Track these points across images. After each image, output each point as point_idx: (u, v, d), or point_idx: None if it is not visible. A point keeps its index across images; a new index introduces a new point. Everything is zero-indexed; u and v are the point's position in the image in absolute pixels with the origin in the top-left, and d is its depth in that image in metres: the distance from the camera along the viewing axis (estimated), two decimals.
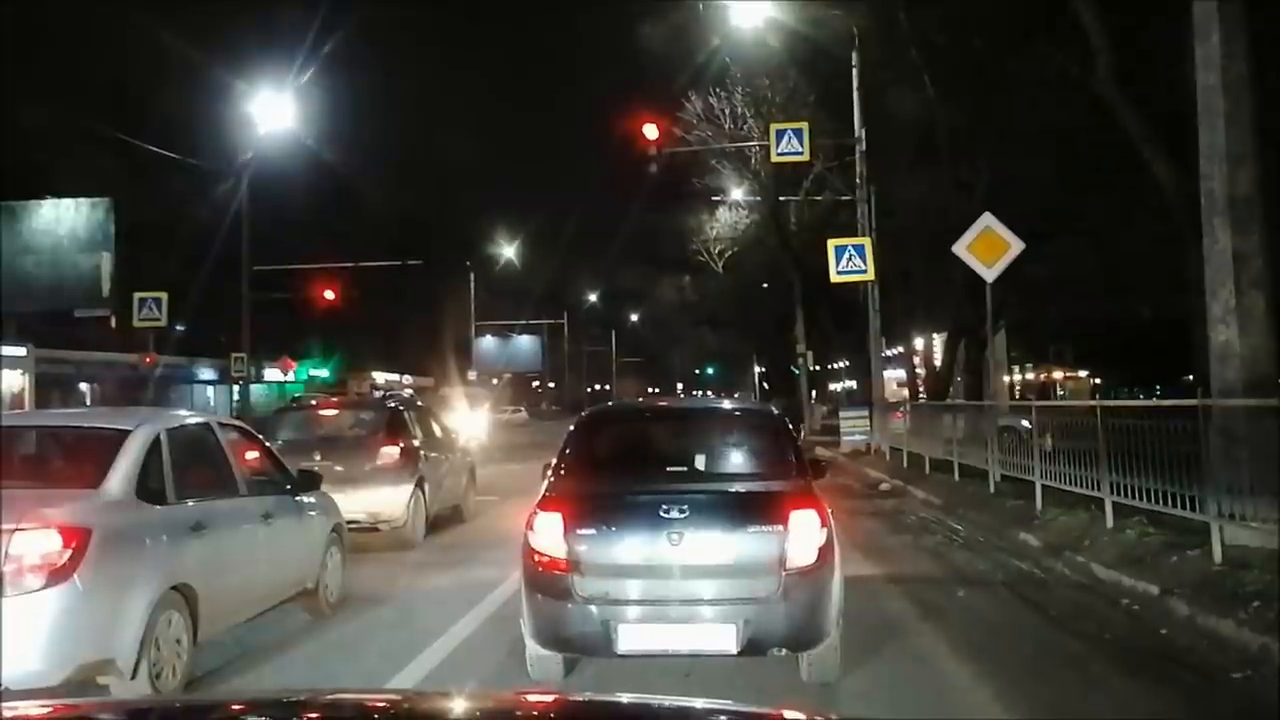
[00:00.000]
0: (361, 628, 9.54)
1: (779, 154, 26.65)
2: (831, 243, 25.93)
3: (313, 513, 9.95)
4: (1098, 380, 67.73)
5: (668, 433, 8.97)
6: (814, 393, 53.28)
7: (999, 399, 24.12)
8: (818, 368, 55.74)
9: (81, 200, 38.37)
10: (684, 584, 7.04)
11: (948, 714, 6.83)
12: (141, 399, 32.85)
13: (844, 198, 31.14)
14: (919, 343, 38.85)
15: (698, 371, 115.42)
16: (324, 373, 60.06)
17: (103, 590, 6.50)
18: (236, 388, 40.44)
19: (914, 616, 9.67)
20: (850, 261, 25.14)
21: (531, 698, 3.06)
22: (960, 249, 17.29)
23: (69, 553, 6.28)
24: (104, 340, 41.24)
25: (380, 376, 65.10)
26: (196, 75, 43.24)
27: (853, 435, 29.92)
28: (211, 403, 50.90)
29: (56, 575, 6.22)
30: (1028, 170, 23.50)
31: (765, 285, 50.97)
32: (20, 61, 37.74)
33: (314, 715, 2.92)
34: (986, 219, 17.27)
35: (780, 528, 7.02)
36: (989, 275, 17.01)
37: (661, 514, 7.01)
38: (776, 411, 9.17)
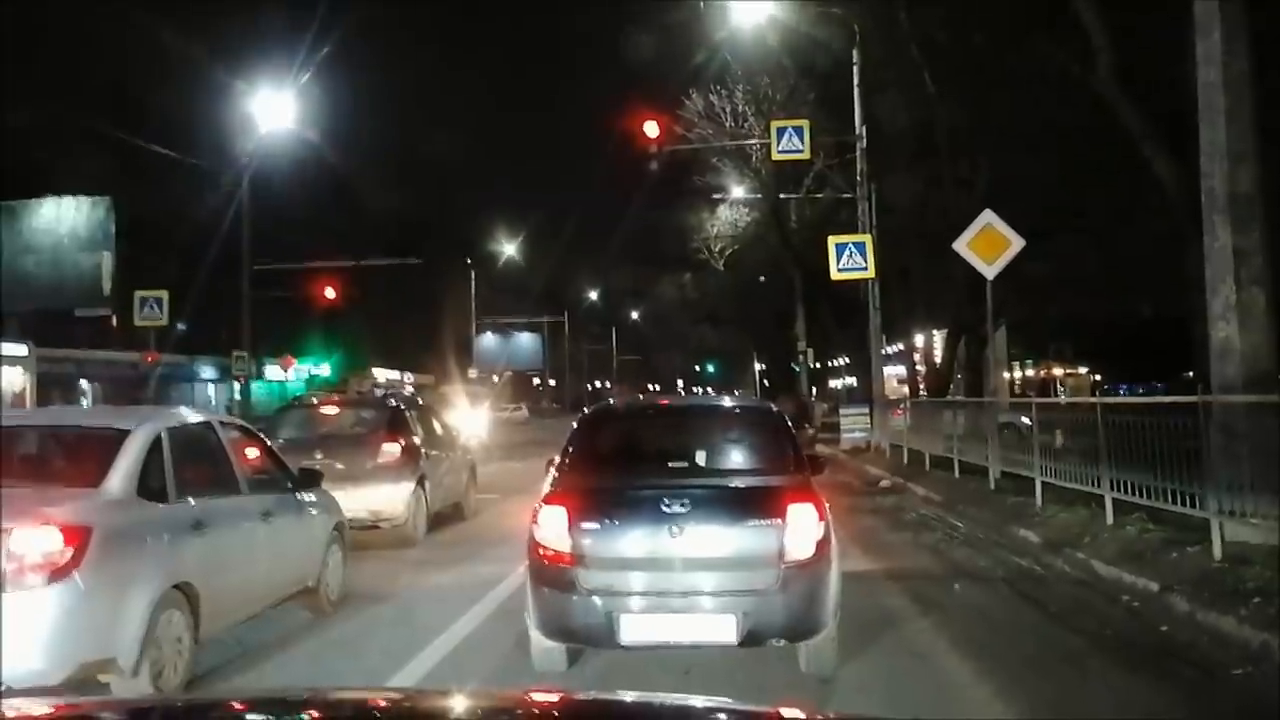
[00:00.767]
0: (362, 626, 9.55)
1: (779, 152, 26.65)
2: (832, 240, 25.93)
3: (314, 511, 9.96)
4: (1098, 377, 67.74)
5: (669, 430, 9.05)
6: (814, 390, 53.29)
7: (999, 396, 24.13)
8: (818, 365, 55.76)
9: (82, 199, 38.48)
10: (685, 576, 7.14)
11: (948, 710, 6.83)
12: (142, 398, 32.83)
13: (845, 195, 31.12)
14: (919, 340, 38.90)
15: (698, 369, 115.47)
16: (325, 371, 60.03)
17: (104, 589, 6.50)
18: (237, 386, 40.40)
19: (914, 613, 9.67)
20: (851, 259, 25.15)
21: (533, 696, 3.06)
22: (961, 246, 17.29)
23: (70, 551, 6.29)
24: (105, 339, 41.29)
25: (381, 374, 65.04)
26: (196, 74, 43.18)
27: (853, 432, 29.94)
28: (213, 401, 50.88)
29: (58, 574, 6.23)
30: (1028, 168, 23.50)
31: (765, 282, 50.94)
32: (20, 61, 37.74)
33: (315, 714, 2.92)
34: (987, 216, 17.27)
35: (779, 521, 7.14)
36: (989, 272, 17.01)
37: (663, 508, 7.12)
38: (775, 408, 9.24)
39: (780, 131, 26.50)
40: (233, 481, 8.51)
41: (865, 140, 28.03)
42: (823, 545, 7.19)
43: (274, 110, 34.02)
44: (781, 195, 38.32)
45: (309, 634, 9.27)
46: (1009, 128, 23.27)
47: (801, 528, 7.15)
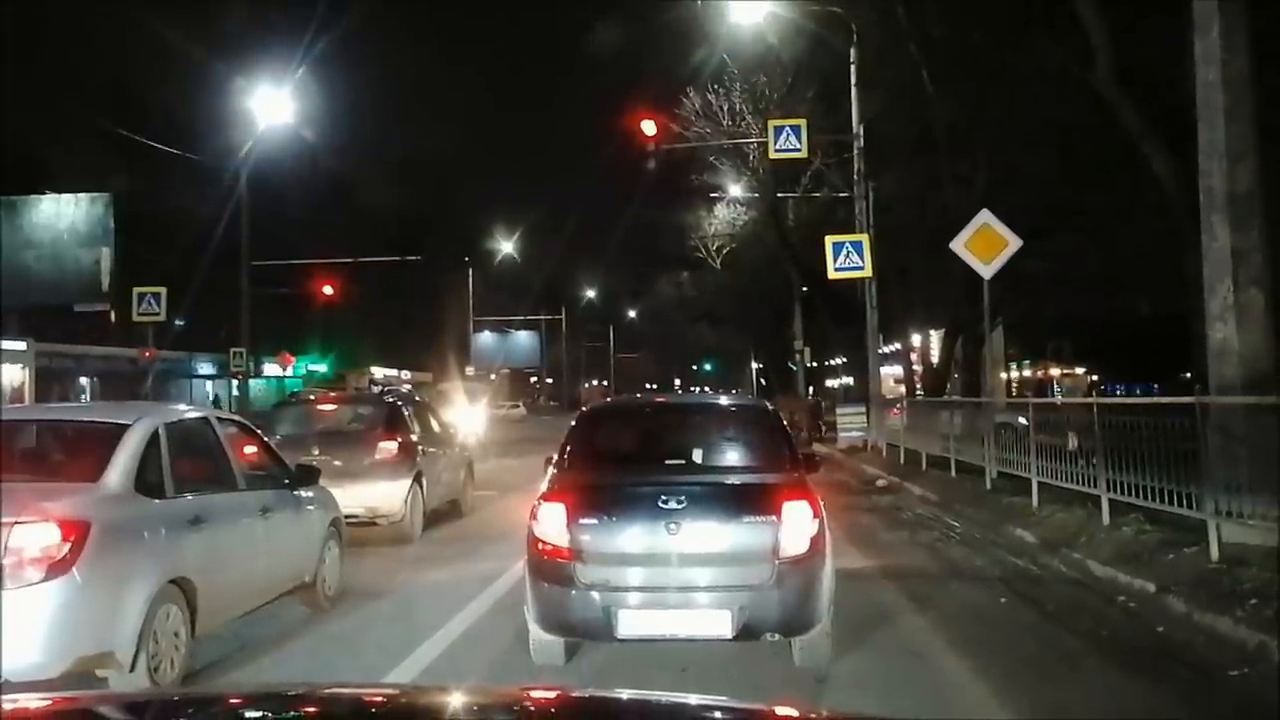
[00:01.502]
0: (359, 621, 9.56)
1: (777, 150, 26.59)
2: (829, 239, 25.89)
3: (311, 507, 9.97)
4: (1095, 377, 67.79)
5: (666, 427, 9.15)
6: (810, 389, 53.30)
7: (996, 395, 24.13)
8: (815, 364, 55.73)
9: (81, 195, 38.43)
10: (681, 571, 7.24)
11: (944, 709, 6.84)
12: (140, 393, 32.86)
13: (842, 194, 31.12)
14: (916, 339, 38.88)
15: (695, 368, 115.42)
16: (322, 368, 60.06)
17: (101, 583, 6.51)
18: (235, 382, 40.41)
19: (910, 611, 9.68)
20: (848, 258, 25.12)
21: (530, 693, 3.07)
22: (958, 246, 17.30)
23: (68, 546, 6.29)
24: (103, 334, 41.30)
25: (379, 372, 65.05)
26: (196, 71, 43.29)
27: (850, 432, 29.94)
28: (210, 397, 50.91)
29: (56, 569, 6.23)
30: (1027, 165, 23.49)
31: (763, 281, 50.97)
32: (20, 57, 37.71)
33: (312, 709, 2.93)
34: (984, 216, 17.28)
35: (774, 518, 7.25)
36: (986, 272, 17.02)
37: (660, 504, 7.21)
38: (771, 407, 9.39)
39: (777, 130, 26.46)
40: (230, 477, 8.51)
41: (863, 139, 27.99)
42: (817, 541, 7.29)
43: (273, 106, 34.07)
44: (779, 194, 38.32)
45: (306, 629, 9.27)
46: (1007, 125, 23.26)
47: (796, 524, 7.24)
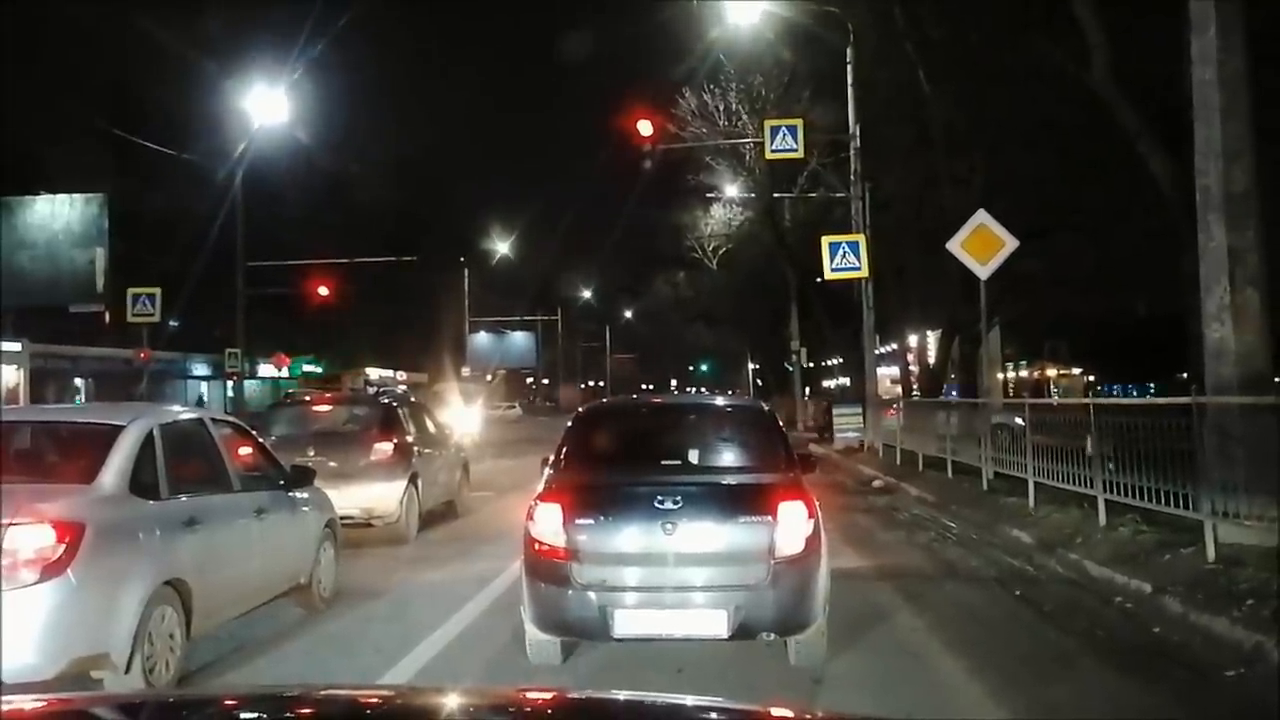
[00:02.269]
0: (355, 622, 9.54)
1: (773, 151, 26.54)
2: (826, 239, 25.85)
3: (306, 508, 9.96)
4: (1092, 377, 67.92)
5: (663, 428, 9.17)
6: (807, 389, 53.34)
7: (993, 396, 24.14)
8: (812, 364, 55.79)
9: (76, 196, 38.44)
10: (678, 571, 7.28)
11: (940, 710, 6.83)
12: (135, 394, 32.84)
13: (838, 195, 31.11)
14: (913, 340, 38.92)
15: (691, 368, 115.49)
16: (318, 369, 60.00)
17: (97, 585, 6.50)
18: (230, 383, 40.41)
19: (907, 612, 9.67)
20: (845, 258, 25.09)
21: (526, 694, 3.06)
22: (955, 246, 17.30)
23: (63, 548, 6.29)
24: (99, 335, 41.25)
25: (374, 372, 65.08)
26: (191, 71, 43.16)
27: (846, 432, 29.91)
28: (205, 398, 50.87)
29: (50, 570, 6.23)
30: (1023, 165, 23.51)
31: (759, 281, 51.05)
32: (16, 57, 37.67)
33: (307, 710, 2.92)
34: (981, 216, 17.28)
35: (769, 518, 7.29)
36: (983, 273, 17.02)
37: (656, 505, 7.26)
38: (767, 408, 9.39)
39: (774, 130, 26.41)
40: (225, 478, 8.50)
41: (859, 139, 27.97)
42: (812, 541, 7.33)
43: (269, 107, 34.04)
44: (775, 194, 38.32)
45: (301, 630, 9.26)
46: (1004, 125, 23.28)
47: (792, 524, 7.29)
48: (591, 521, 7.36)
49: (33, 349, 36.40)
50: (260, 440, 10.20)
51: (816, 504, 7.54)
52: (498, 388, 75.26)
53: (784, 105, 33.65)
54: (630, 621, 7.22)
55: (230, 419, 10.38)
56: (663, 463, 8.28)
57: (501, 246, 77.73)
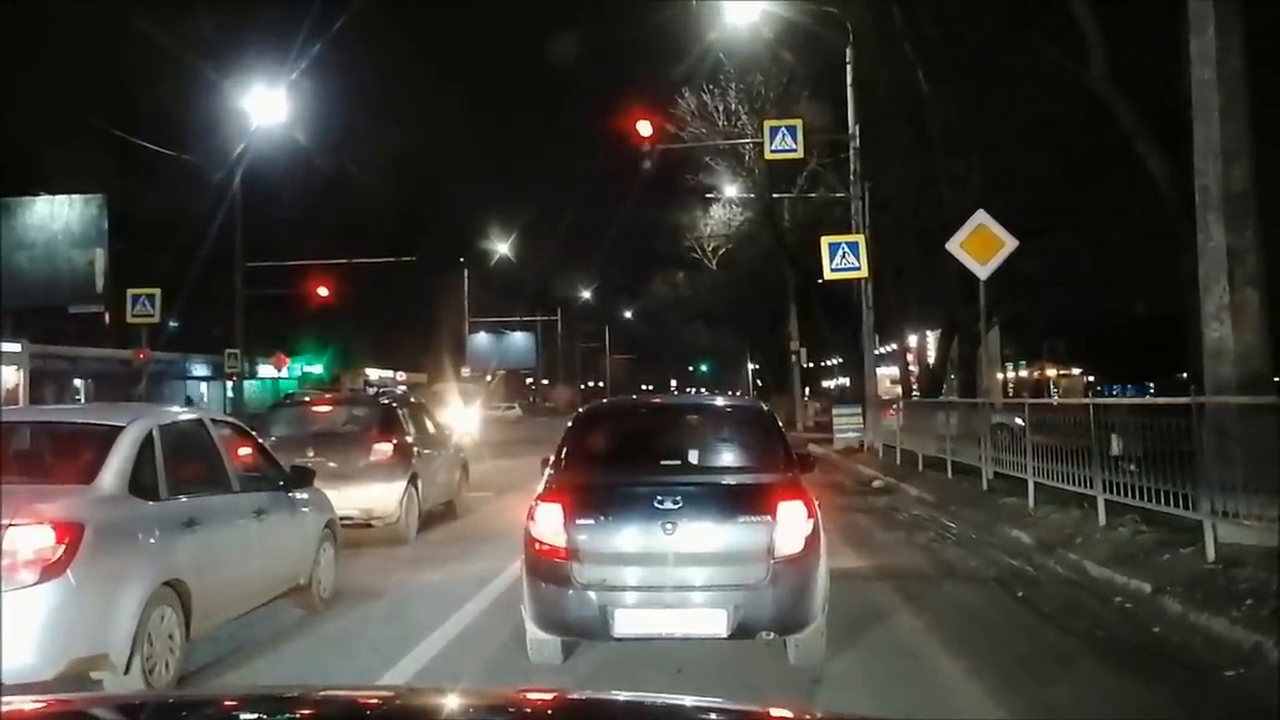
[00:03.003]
0: (354, 623, 9.54)
1: (772, 151, 26.49)
2: (825, 240, 25.83)
3: (305, 509, 9.96)
4: (1091, 377, 67.91)
5: (662, 428, 9.19)
6: (806, 389, 53.36)
7: (992, 396, 24.13)
8: (811, 364, 55.82)
9: (75, 197, 38.48)
10: (677, 571, 7.31)
11: (940, 710, 6.83)
12: (135, 395, 32.82)
13: (838, 195, 31.11)
14: (912, 340, 38.90)
15: (691, 368, 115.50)
16: (317, 369, 59.99)
17: (96, 585, 6.49)
18: (230, 383, 40.40)
19: (906, 612, 9.67)
20: (844, 258, 25.07)
21: (525, 695, 3.06)
22: (954, 246, 17.30)
23: (62, 548, 6.28)
24: (98, 336, 41.25)
25: (374, 373, 65.12)
26: (190, 72, 43.09)
27: (846, 432, 29.92)
28: (203, 398, 50.85)
29: (50, 571, 6.22)
30: (1022, 165, 23.53)
31: (758, 281, 51.11)
32: (15, 58, 37.69)
33: (307, 711, 2.92)
34: (980, 216, 17.28)
35: (769, 518, 7.32)
36: (983, 273, 17.02)
37: (656, 505, 7.29)
38: (766, 408, 9.43)
39: (773, 130, 26.38)
40: (225, 479, 8.50)
41: (859, 139, 27.96)
42: (811, 541, 7.36)
43: (268, 107, 34.02)
44: (775, 194, 38.35)
45: (301, 631, 9.25)
46: (1003, 125, 23.29)
47: (791, 524, 7.32)
48: (592, 521, 7.39)
49: (32, 349, 36.39)
50: (260, 441, 10.20)
51: (816, 504, 7.57)
52: (497, 388, 75.27)
53: (783, 105, 33.70)
54: (630, 621, 7.25)
55: (230, 419, 10.39)
56: (662, 463, 8.31)
57: (501, 247, 77.78)
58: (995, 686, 7.27)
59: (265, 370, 52.37)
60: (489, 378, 74.87)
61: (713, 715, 2.96)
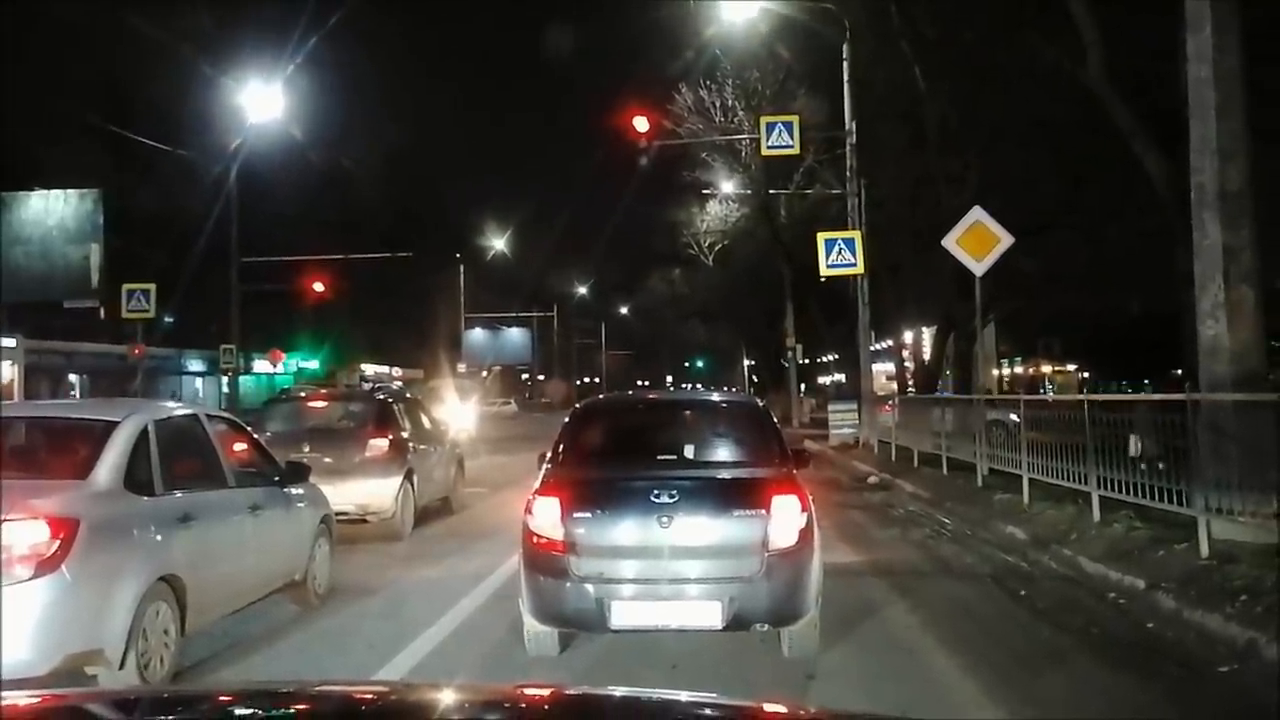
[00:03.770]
0: (350, 619, 9.54)
1: (769, 147, 26.48)
2: (821, 236, 25.81)
3: (301, 504, 9.95)
4: (1086, 375, 67.98)
5: (659, 423, 9.30)
6: (802, 386, 53.38)
7: (988, 392, 24.14)
8: (807, 361, 55.84)
9: (70, 191, 38.35)
10: (673, 564, 7.38)
11: (934, 706, 6.83)
12: (130, 390, 32.81)
13: (834, 191, 31.10)
14: (908, 336, 38.92)
15: (687, 365, 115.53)
16: (313, 364, 59.93)
17: (91, 581, 6.49)
18: (225, 379, 40.34)
19: (901, 608, 9.68)
20: (840, 255, 25.06)
21: (521, 690, 3.06)
22: (950, 243, 17.29)
23: (57, 543, 6.27)
24: (93, 331, 41.21)
25: (369, 368, 64.98)
26: (186, 67, 43.05)
27: (841, 429, 29.95)
28: (200, 394, 50.80)
29: (45, 566, 6.21)
30: (1018, 163, 23.54)
31: (755, 277, 51.13)
32: (10, 53, 37.62)
33: (302, 706, 2.92)
34: (976, 213, 17.27)
35: (763, 512, 7.40)
36: (979, 269, 17.01)
37: (652, 499, 7.37)
38: (761, 403, 9.55)
39: (770, 127, 26.36)
40: (220, 474, 8.50)
41: (855, 136, 27.95)
42: (805, 534, 7.44)
43: (264, 102, 33.99)
44: (771, 191, 38.36)
45: (296, 627, 9.25)
46: (999, 123, 23.31)
47: (785, 518, 7.39)
48: (589, 515, 7.46)
49: (27, 344, 36.38)
50: (255, 436, 10.20)
51: (810, 498, 7.64)
52: (493, 384, 75.26)
53: (780, 102, 33.68)
54: (627, 613, 7.33)
55: (225, 415, 10.39)
56: (659, 457, 8.37)
57: (497, 243, 77.68)
58: (990, 682, 7.28)
59: (261, 366, 52.36)
60: (485, 374, 74.89)
61: (707, 711, 2.96)
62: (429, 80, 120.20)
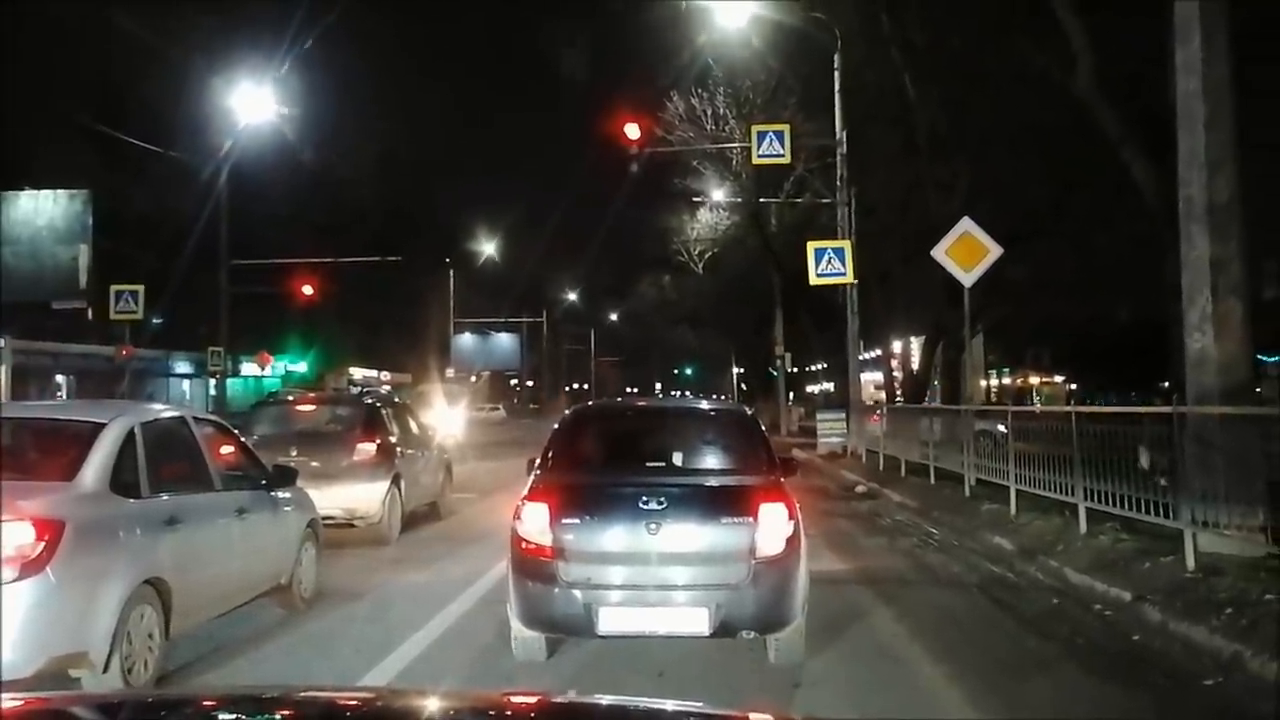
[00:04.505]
0: (336, 623, 9.51)
1: (760, 156, 26.50)
2: (811, 245, 25.82)
3: (288, 508, 9.92)
4: (1074, 385, 68.04)
5: (647, 430, 9.32)
6: (791, 394, 53.39)
7: (975, 402, 24.14)
8: (796, 369, 55.84)
9: (60, 192, 38.33)
10: (661, 570, 7.43)
11: (920, 714, 6.86)
12: (117, 392, 32.72)
13: (824, 200, 31.12)
14: (897, 346, 38.95)
15: (676, 371, 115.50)
16: (302, 368, 59.81)
17: (76, 583, 6.47)
18: (213, 382, 40.24)
19: (887, 617, 9.69)
20: (830, 264, 25.07)
21: (508, 697, 3.05)
22: (939, 253, 17.32)
23: (42, 545, 6.25)
24: (81, 332, 41.08)
25: (358, 372, 64.93)
26: (177, 68, 42.96)
27: (829, 438, 29.96)
28: (188, 396, 50.65)
29: (30, 567, 6.19)
30: (1007, 170, 23.57)
31: (745, 285, 51.16)
32: (1, 53, 37.52)
33: (287, 712, 2.91)
34: (965, 224, 17.30)
35: (751, 519, 7.44)
36: (968, 280, 17.04)
37: (641, 505, 7.40)
38: (749, 411, 9.59)
39: (761, 135, 26.37)
40: (206, 477, 8.48)
41: (846, 145, 27.96)
42: (792, 542, 7.47)
43: (254, 104, 33.96)
44: (761, 199, 38.38)
45: (282, 631, 9.23)
46: (988, 130, 23.33)
47: (772, 525, 7.43)
48: (577, 521, 7.48)
49: (14, 345, 36.20)
50: (242, 439, 10.18)
51: (797, 506, 7.66)
52: (482, 389, 75.18)
53: (771, 110, 33.65)
54: (614, 618, 7.36)
55: (212, 418, 10.35)
56: (647, 464, 8.41)
57: (487, 248, 77.78)
58: (975, 691, 7.29)
59: (249, 369, 52.19)
60: (474, 379, 74.81)
61: (694, 719, 2.96)
62: (420, 85, 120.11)
